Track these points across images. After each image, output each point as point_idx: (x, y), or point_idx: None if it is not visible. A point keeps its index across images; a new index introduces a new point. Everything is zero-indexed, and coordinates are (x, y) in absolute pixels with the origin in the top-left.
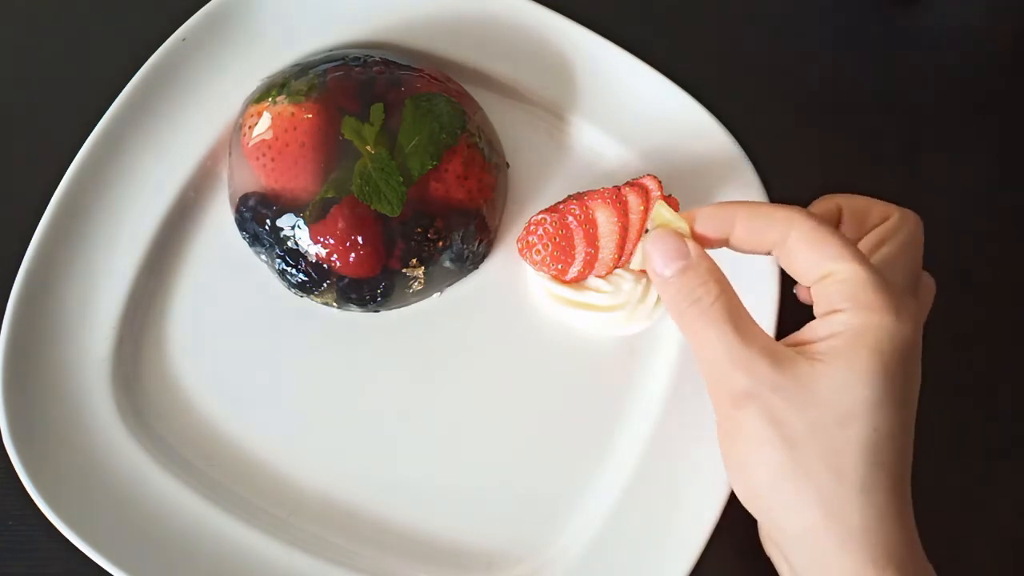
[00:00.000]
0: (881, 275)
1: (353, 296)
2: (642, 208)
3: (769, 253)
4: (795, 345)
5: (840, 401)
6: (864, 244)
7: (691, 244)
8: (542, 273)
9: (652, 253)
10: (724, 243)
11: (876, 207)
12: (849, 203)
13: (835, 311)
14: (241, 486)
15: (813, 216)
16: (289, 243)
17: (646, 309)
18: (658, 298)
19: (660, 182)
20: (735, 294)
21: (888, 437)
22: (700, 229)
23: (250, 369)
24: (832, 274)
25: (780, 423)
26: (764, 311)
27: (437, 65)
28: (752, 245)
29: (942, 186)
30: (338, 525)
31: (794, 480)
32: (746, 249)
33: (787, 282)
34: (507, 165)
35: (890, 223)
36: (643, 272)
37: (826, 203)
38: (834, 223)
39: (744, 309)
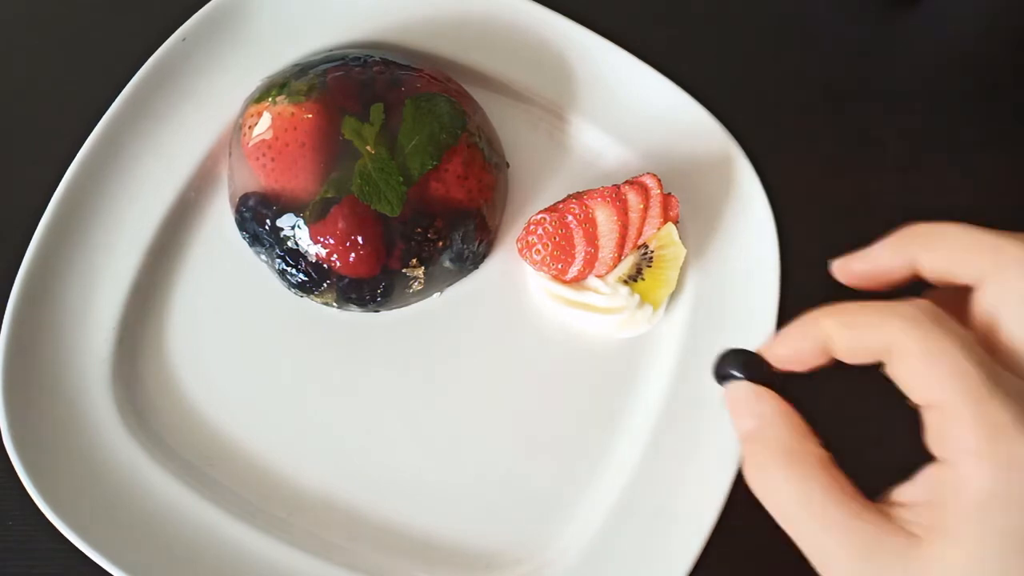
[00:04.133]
0: (1011, 406)
1: (353, 296)
2: (642, 206)
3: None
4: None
5: None
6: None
7: (766, 401)
8: (542, 273)
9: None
10: (815, 365)
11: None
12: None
13: (940, 464)
14: (241, 486)
15: (926, 317)
16: (289, 243)
17: (645, 314)
18: (657, 304)
19: (660, 180)
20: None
21: None
22: (779, 356)
23: (250, 369)
24: (939, 405)
25: None
26: (764, 310)
27: (437, 65)
28: (857, 359)
29: (943, 186)
30: (338, 525)
31: None
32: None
33: (787, 282)
34: (507, 165)
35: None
36: (638, 279)
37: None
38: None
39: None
